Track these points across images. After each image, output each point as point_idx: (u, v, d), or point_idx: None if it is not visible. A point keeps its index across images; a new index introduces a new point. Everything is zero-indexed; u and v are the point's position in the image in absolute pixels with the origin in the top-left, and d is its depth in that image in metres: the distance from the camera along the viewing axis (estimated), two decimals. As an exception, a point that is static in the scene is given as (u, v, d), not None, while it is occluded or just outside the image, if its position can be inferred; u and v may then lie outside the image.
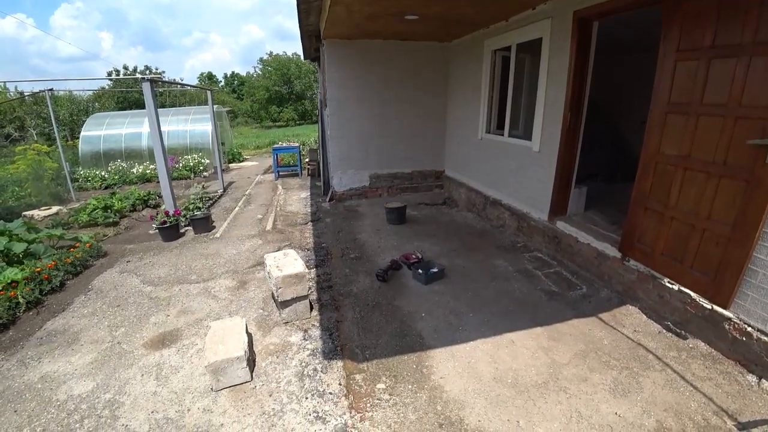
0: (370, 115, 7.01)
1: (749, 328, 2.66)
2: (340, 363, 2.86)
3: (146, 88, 5.55)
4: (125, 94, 17.71)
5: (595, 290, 3.74)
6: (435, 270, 3.95)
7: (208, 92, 8.75)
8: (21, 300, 3.93)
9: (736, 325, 2.74)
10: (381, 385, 2.61)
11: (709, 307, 2.91)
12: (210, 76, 45.17)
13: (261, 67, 36.87)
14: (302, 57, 8.31)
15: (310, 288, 4.02)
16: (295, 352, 3.05)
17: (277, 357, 3.02)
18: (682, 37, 2.96)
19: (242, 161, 14.03)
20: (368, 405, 2.46)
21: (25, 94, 15.46)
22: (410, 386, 2.59)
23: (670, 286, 3.19)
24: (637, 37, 5.56)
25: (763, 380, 2.55)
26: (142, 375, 2.93)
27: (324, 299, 3.78)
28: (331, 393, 2.59)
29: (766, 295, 2.55)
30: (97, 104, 21.90)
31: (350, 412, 2.41)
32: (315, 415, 2.42)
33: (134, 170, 10.78)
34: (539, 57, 4.39)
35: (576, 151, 4.26)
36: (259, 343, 3.21)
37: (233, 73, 47.00)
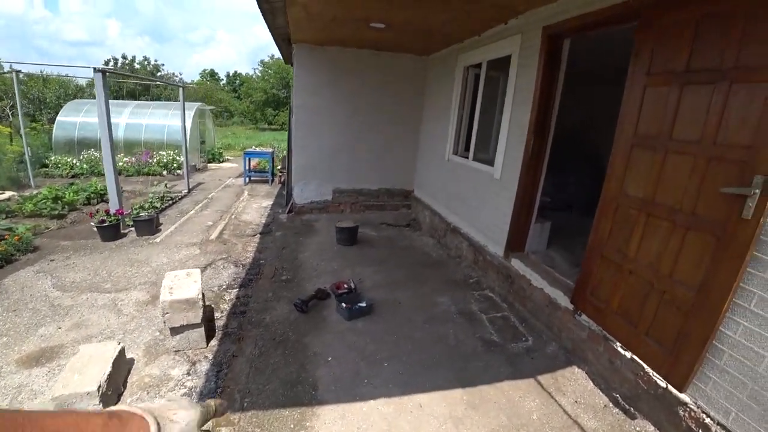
0: (338, 126, 6.66)
1: (708, 419, 2.22)
2: (210, 411, 2.44)
3: (98, 79, 5.34)
4: (120, 83, 17.65)
5: (541, 344, 3.30)
6: (363, 305, 3.53)
7: (180, 89, 8.50)
8: None
9: (693, 413, 2.29)
10: (243, 447, 2.18)
11: (663, 385, 2.49)
12: (212, 74, 45.48)
13: (261, 68, 37.28)
14: (284, 62, 8.08)
15: (222, 312, 3.62)
16: (170, 389, 2.65)
17: (148, 393, 2.61)
18: (654, 58, 2.58)
19: (222, 161, 13.71)
20: (217, 473, 2.03)
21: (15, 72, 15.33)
22: (277, 453, 2.15)
23: (623, 352, 2.76)
24: (619, 62, 5.25)
25: (717, 484, 2.11)
26: (-5, 398, 2.55)
27: (231, 327, 3.37)
28: (184, 450, 2.16)
29: (732, 382, 2.12)
30: (93, 90, 21.80)
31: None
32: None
33: (103, 162, 10.48)
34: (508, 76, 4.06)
35: (539, 180, 3.87)
36: (137, 373, 2.81)
37: (235, 72, 47.35)
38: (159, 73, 33.76)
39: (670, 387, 2.44)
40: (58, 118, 11.44)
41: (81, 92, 21.05)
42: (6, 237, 5.10)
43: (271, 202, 8.08)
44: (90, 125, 11.25)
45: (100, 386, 2.38)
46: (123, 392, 2.64)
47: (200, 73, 45.00)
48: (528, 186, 3.84)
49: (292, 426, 2.33)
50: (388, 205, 7.28)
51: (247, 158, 10.23)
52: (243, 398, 2.54)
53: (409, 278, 4.50)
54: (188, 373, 2.80)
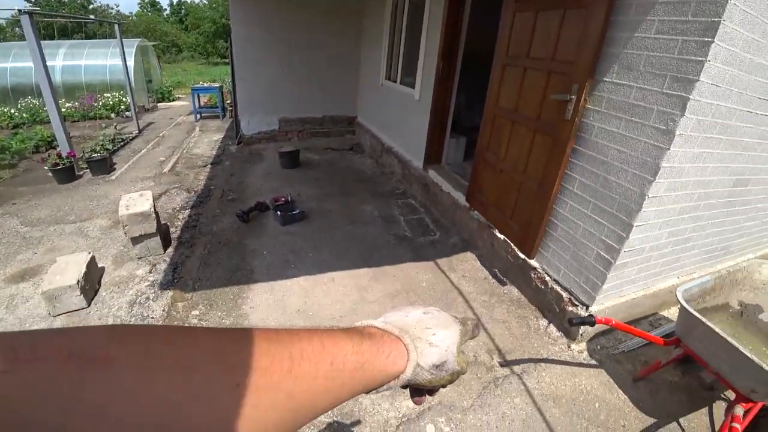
0: (279, 57, 7.17)
1: (548, 278, 3.15)
2: (170, 293, 3.34)
3: (25, 21, 5.54)
4: (48, 19, 16.82)
5: (446, 237, 4.26)
6: (295, 212, 4.41)
7: (116, 26, 8.58)
8: None
9: (539, 275, 3.21)
10: (195, 312, 3.11)
11: (522, 257, 3.41)
12: (153, 3, 42.66)
13: None
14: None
15: (176, 228, 4.43)
16: (136, 283, 3.51)
17: (119, 287, 3.46)
18: None
19: (172, 100, 13.90)
20: (175, 326, 2.94)
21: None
22: (220, 313, 3.09)
23: (499, 236, 3.68)
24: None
25: (551, 326, 3.06)
26: (-6, 305, 3.35)
27: (184, 237, 4.23)
28: (152, 318, 3.07)
29: (563, 248, 3.01)
30: (19, 29, 20.72)
31: (158, 332, 2.88)
32: (127, 334, 2.89)
33: (47, 108, 10.62)
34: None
35: (449, 100, 4.64)
36: (109, 275, 3.65)
37: (179, 0, 44.31)
38: (90, 6, 31.55)
39: (526, 258, 3.38)
40: (-15, 65, 11.25)
41: (2, 33, 20.07)
42: (-38, 187, 5.65)
43: (222, 136, 8.72)
44: (22, 70, 11.13)
45: (78, 281, 3.19)
46: (98, 289, 3.47)
47: (139, 3, 41.96)
48: (440, 105, 4.62)
49: (231, 297, 3.27)
50: (333, 131, 8.04)
51: (196, 94, 10.58)
52: (194, 283, 3.44)
53: (342, 192, 5.40)
54: (150, 272, 3.65)
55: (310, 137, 7.88)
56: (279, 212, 4.32)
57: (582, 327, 2.87)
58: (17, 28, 21.01)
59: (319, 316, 3.07)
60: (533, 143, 3.25)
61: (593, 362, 2.76)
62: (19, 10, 5.56)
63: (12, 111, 10.48)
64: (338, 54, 7.44)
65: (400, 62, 5.72)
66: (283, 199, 4.63)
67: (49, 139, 8.13)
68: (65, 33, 19.85)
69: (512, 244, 3.54)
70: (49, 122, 10.06)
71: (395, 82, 5.87)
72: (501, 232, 3.69)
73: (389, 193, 5.36)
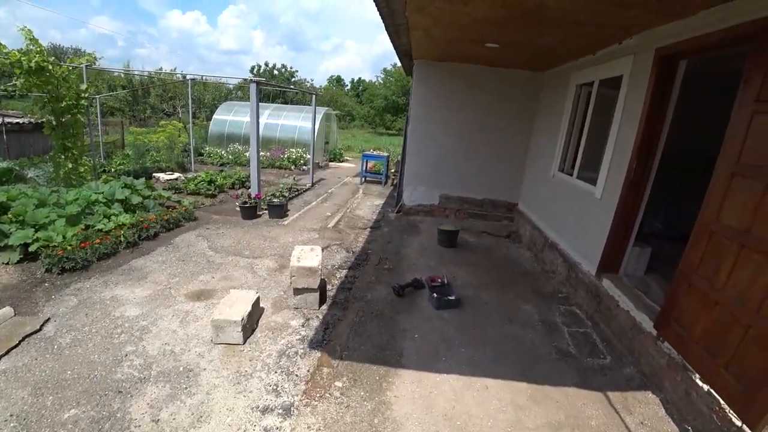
0: (449, 137, 7.38)
1: None
2: (318, 354, 3.27)
3: (252, 88, 6.88)
4: (262, 87, 21.09)
5: (619, 365, 3.50)
6: (451, 298, 4.11)
7: (313, 96, 10.05)
8: (122, 239, 5.16)
9: None
10: (339, 383, 2.95)
11: (738, 423, 2.57)
12: (338, 80, 50.42)
13: (383, 76, 39.90)
14: (405, 74, 9.05)
15: (333, 286, 4.51)
16: (289, 333, 3.56)
17: (273, 333, 3.55)
18: (765, 85, 2.63)
19: (342, 161, 15.61)
20: (318, 395, 2.82)
21: (177, 79, 19.01)
22: (363, 393, 2.87)
23: (700, 384, 2.88)
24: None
25: None
26: (173, 316, 3.76)
27: (339, 298, 4.25)
28: (296, 375, 3.01)
29: None
30: (240, 92, 26.17)
31: (301, 396, 2.79)
32: (273, 387, 2.88)
33: (247, 154, 12.66)
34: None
35: (639, 204, 4.01)
36: (266, 318, 3.80)
37: (359, 78, 51.49)
38: (293, 78, 38.82)
39: (744, 427, 2.53)
40: (214, 116, 14.33)
41: (230, 94, 25.73)
42: (176, 207, 6.80)
43: (383, 202, 9.18)
44: (237, 123, 13.80)
45: (242, 318, 3.34)
46: (255, 329, 3.60)
47: (328, 79, 50.47)
48: (626, 208, 4.02)
49: (377, 378, 3.04)
50: (491, 215, 7.77)
51: (365, 160, 11.59)
52: (342, 351, 3.34)
53: (499, 284, 4.97)
54: (303, 325, 3.69)
55: (468, 218, 7.76)
56: (435, 294, 4.10)
57: None
58: (238, 92, 26.62)
59: (468, 430, 2.64)
60: (776, 279, 2.50)
61: None
62: (251, 80, 6.84)
63: (222, 152, 12.78)
64: (507, 139, 7.37)
65: (579, 155, 5.29)
66: (439, 280, 4.43)
67: (243, 180, 9.52)
68: (269, 98, 24.49)
69: (723, 402, 2.69)
70: (247, 165, 11.98)
71: (570, 175, 5.42)
72: (705, 381, 2.85)
73: (550, 296, 4.77)
